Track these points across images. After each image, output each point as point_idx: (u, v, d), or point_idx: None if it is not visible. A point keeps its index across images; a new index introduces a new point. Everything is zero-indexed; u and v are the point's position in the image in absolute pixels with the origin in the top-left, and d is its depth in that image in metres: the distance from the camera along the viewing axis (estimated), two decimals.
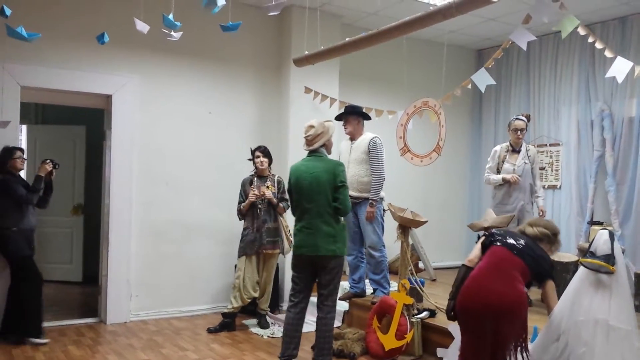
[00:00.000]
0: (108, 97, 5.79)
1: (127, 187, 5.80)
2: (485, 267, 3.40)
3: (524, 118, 5.53)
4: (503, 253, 3.40)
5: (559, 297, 3.58)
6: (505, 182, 5.39)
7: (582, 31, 4.47)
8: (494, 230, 3.64)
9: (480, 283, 3.34)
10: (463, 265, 3.54)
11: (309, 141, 4.37)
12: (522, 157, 5.47)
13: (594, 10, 6.30)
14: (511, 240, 3.45)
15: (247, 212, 5.51)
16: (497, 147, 5.67)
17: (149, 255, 5.94)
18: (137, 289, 5.87)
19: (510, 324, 3.26)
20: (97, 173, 6.33)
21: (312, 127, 4.37)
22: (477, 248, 3.57)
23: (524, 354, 3.33)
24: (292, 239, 5.52)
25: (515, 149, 5.52)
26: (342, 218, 4.36)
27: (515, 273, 3.33)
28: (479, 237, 3.69)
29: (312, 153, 4.39)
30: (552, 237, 3.59)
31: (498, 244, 3.46)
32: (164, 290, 6.02)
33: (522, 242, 3.45)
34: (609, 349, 3.23)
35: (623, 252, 3.94)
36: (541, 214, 5.57)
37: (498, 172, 5.51)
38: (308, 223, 4.25)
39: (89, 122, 7.46)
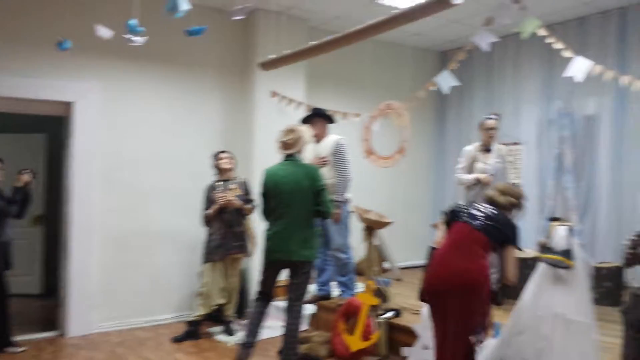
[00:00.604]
0: (69, 105, 5.66)
1: (88, 196, 5.67)
2: (447, 245, 3.45)
3: (495, 117, 5.51)
4: (464, 229, 3.43)
5: (520, 293, 3.64)
6: (478, 182, 5.34)
7: (542, 32, 4.55)
8: (457, 206, 3.65)
9: (442, 263, 3.40)
10: (431, 247, 3.62)
11: (289, 145, 4.35)
12: (495, 156, 5.42)
13: (554, 11, 6.42)
14: (473, 213, 3.47)
15: (213, 217, 5.45)
16: (469, 147, 5.60)
17: (111, 264, 5.82)
18: (99, 300, 5.73)
19: (475, 300, 3.31)
20: (58, 183, 6.19)
21: (292, 131, 4.36)
22: (441, 227, 3.64)
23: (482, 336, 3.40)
24: (256, 241, 5.53)
25: (487, 149, 5.47)
26: (315, 224, 4.39)
27: (477, 247, 3.37)
28: (445, 215, 3.71)
29: (289, 157, 4.37)
30: (518, 205, 3.63)
31: (459, 220, 3.48)
32: (127, 300, 5.89)
33: (484, 212, 3.46)
34: (568, 343, 3.29)
35: (581, 247, 4.02)
36: None
37: (470, 172, 5.46)
38: (283, 228, 4.25)
39: (50, 130, 7.30)
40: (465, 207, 3.56)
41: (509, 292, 5.42)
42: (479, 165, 5.42)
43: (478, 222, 3.41)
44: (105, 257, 5.78)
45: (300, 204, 4.24)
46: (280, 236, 4.25)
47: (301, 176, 4.26)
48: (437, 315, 3.41)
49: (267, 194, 4.36)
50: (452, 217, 3.55)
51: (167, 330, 5.77)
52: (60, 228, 5.94)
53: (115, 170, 5.86)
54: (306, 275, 4.32)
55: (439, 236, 3.63)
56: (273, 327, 5.06)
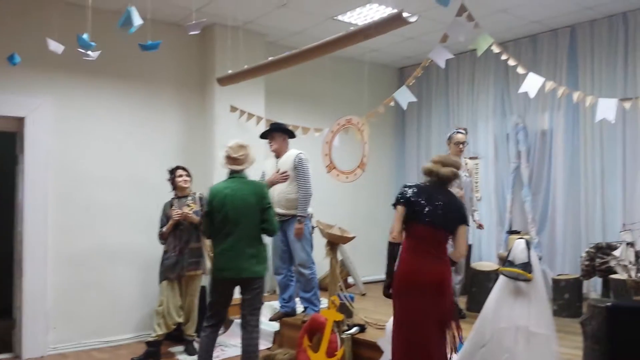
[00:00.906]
0: (20, 120, 5.51)
1: (42, 213, 5.51)
2: (415, 249, 3.47)
3: (463, 131, 5.58)
4: (427, 232, 3.48)
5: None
6: None
7: (496, 49, 4.67)
8: (410, 198, 3.56)
9: (414, 267, 3.43)
10: (389, 242, 3.57)
11: (240, 161, 4.32)
12: (463, 170, 5.42)
13: (506, 28, 6.61)
14: (432, 209, 3.48)
15: (168, 235, 5.34)
16: None
17: (67, 284, 5.65)
18: (55, 321, 5.55)
19: (449, 290, 3.50)
20: (9, 200, 5.97)
21: (243, 147, 4.34)
22: (398, 221, 3.56)
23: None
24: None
25: None
26: (264, 239, 4.38)
27: (441, 245, 3.50)
28: (394, 206, 3.65)
29: (236, 174, 4.34)
30: (458, 174, 3.71)
31: (421, 221, 3.48)
32: (84, 321, 5.72)
33: (440, 202, 3.51)
34: (530, 355, 3.34)
35: (540, 259, 4.11)
36: (479, 226, 5.68)
37: None
38: (231, 246, 4.20)
39: (0, 146, 7.03)
40: (421, 201, 3.52)
41: (474, 305, 5.52)
42: None
43: (440, 218, 3.48)
44: (60, 276, 5.61)
45: (249, 221, 4.23)
46: (229, 254, 4.21)
47: (248, 193, 4.25)
48: (414, 312, 3.43)
49: (213, 211, 4.28)
50: (412, 217, 3.53)
51: (126, 351, 5.61)
52: (13, 247, 5.72)
53: (69, 187, 5.71)
54: (258, 291, 4.30)
55: (396, 230, 3.54)
56: (236, 345, 4.98)
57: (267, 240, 5.50)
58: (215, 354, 5.28)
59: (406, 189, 3.62)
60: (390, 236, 3.57)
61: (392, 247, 3.56)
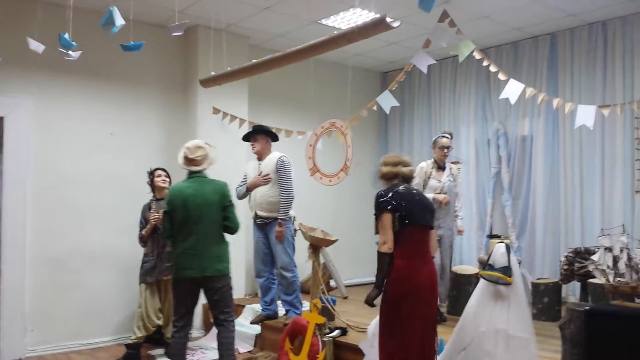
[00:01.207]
0: (0, 120, 5.43)
1: (20, 214, 5.44)
2: (408, 254, 3.44)
3: (448, 135, 5.60)
4: (417, 234, 3.50)
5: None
6: (435, 201, 5.22)
7: (477, 55, 4.72)
8: (394, 203, 3.49)
9: (411, 272, 3.41)
10: (384, 253, 3.43)
11: (198, 162, 4.34)
12: (447, 174, 5.50)
13: (488, 35, 6.68)
14: (416, 211, 3.50)
15: (148, 237, 5.30)
16: (423, 164, 5.56)
17: (46, 286, 5.58)
18: (33, 323, 5.48)
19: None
20: None
21: (200, 147, 4.36)
22: (389, 230, 3.45)
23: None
24: None
25: (440, 166, 5.51)
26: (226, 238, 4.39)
27: (428, 244, 3.56)
28: (376, 217, 3.57)
29: (195, 174, 4.35)
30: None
31: (415, 224, 3.47)
32: (62, 323, 5.65)
33: (419, 202, 3.56)
34: (509, 358, 3.38)
35: (520, 264, 4.15)
36: (460, 233, 5.71)
37: (423, 188, 5.40)
38: (193, 245, 4.19)
39: None
40: (404, 205, 3.47)
41: (454, 309, 5.57)
42: (433, 182, 5.45)
43: (426, 218, 3.55)
44: (39, 278, 5.54)
45: (210, 219, 4.23)
46: (191, 253, 4.20)
47: (210, 192, 4.27)
48: (414, 316, 3.39)
49: (174, 211, 4.25)
50: (402, 222, 3.46)
51: (106, 353, 5.56)
52: None
53: (49, 188, 5.65)
54: (225, 289, 4.30)
55: (390, 239, 3.42)
56: (211, 348, 4.97)
57: (249, 241, 5.52)
58: (195, 357, 5.27)
59: (387, 195, 3.52)
60: (384, 247, 3.42)
61: (388, 258, 3.42)
